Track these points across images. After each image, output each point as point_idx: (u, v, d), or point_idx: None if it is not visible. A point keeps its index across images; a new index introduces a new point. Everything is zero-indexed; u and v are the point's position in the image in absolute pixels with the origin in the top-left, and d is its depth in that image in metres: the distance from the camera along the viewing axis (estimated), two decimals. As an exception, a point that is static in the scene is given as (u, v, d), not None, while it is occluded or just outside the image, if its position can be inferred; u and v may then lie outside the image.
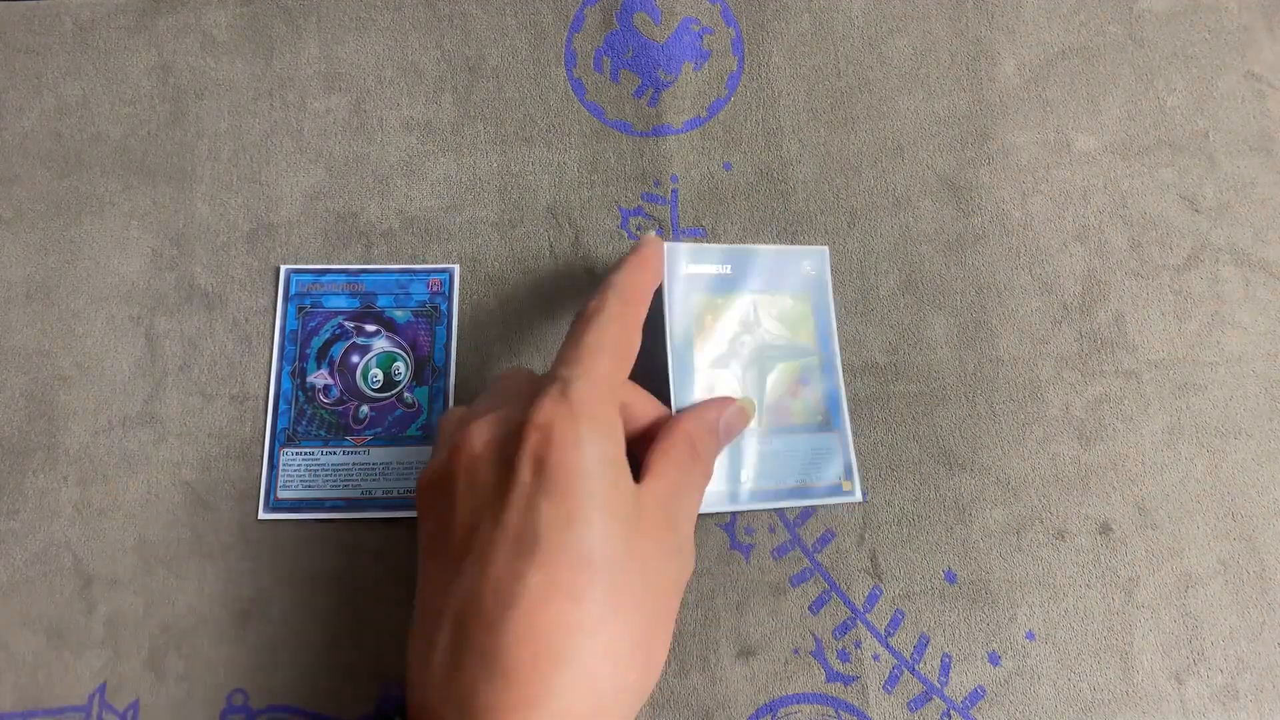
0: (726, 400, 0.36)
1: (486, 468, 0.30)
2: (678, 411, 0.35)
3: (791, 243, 0.42)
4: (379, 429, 0.39)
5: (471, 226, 0.42)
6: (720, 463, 0.38)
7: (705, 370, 0.39)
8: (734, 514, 0.39)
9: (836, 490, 0.38)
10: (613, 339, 0.32)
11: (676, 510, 0.32)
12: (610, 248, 0.42)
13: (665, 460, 0.32)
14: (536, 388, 0.32)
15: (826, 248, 0.41)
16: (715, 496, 0.38)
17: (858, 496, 0.38)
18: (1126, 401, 0.40)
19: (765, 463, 0.38)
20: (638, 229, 0.42)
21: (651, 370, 0.40)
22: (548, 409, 0.30)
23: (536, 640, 0.27)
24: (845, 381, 0.40)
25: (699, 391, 0.39)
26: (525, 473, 0.29)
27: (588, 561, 0.28)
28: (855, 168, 0.43)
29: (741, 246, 0.40)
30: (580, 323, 0.33)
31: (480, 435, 0.31)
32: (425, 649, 0.29)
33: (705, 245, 0.41)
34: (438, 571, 0.30)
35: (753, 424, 0.39)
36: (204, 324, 0.41)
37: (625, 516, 0.29)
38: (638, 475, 0.32)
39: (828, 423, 0.39)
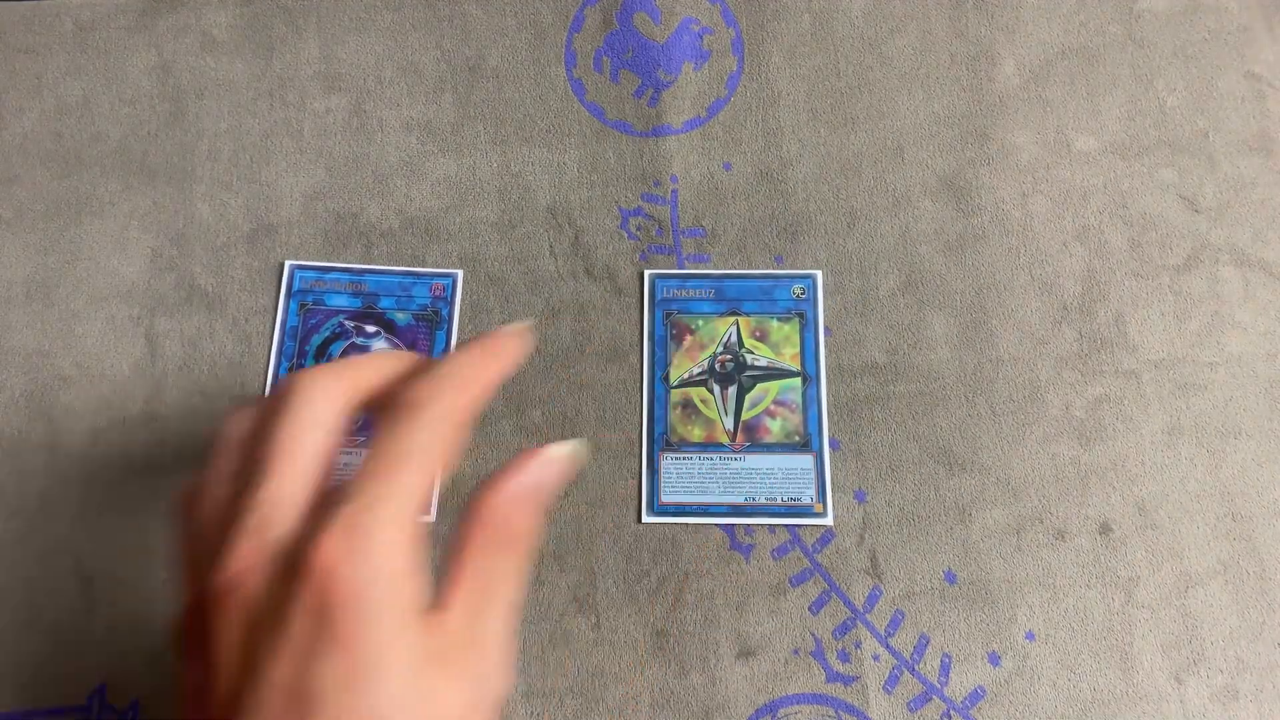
0: (532, 453, 0.29)
1: (260, 607, 0.25)
2: (481, 483, 0.28)
3: (791, 243, 0.42)
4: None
5: (471, 227, 0.42)
6: (690, 471, 0.38)
7: (680, 389, 0.40)
8: (734, 515, 0.39)
9: (808, 511, 0.38)
10: (430, 442, 0.27)
11: (486, 625, 0.27)
12: (610, 248, 0.42)
13: (471, 557, 0.27)
14: (314, 495, 0.27)
15: (819, 272, 0.41)
16: (684, 508, 0.38)
17: (829, 520, 0.38)
18: (1126, 401, 0.40)
19: (738, 478, 0.39)
20: (638, 229, 0.42)
21: (627, 389, 0.40)
22: (334, 546, 0.24)
23: None
24: (845, 382, 0.40)
25: (672, 412, 0.39)
26: (300, 622, 0.24)
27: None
28: (855, 168, 0.43)
29: (730, 273, 0.41)
30: (397, 416, 0.27)
31: (239, 560, 0.25)
32: None
33: (692, 274, 0.41)
34: None
35: (727, 440, 0.39)
36: (204, 324, 0.41)
37: (423, 661, 0.25)
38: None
39: (805, 444, 0.39)
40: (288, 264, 0.41)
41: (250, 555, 0.25)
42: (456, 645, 0.26)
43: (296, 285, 0.41)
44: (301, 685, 0.24)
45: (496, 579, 0.27)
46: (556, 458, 0.29)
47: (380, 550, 0.25)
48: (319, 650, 0.24)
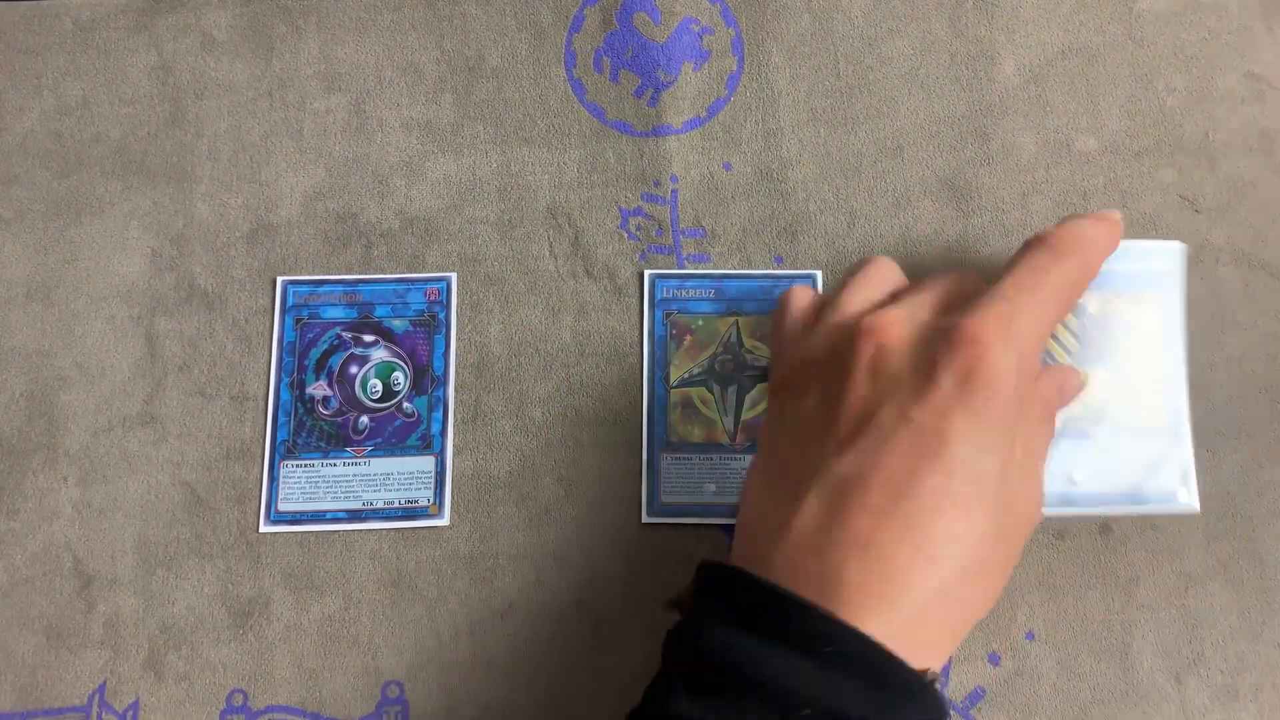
0: (1072, 370, 0.35)
1: (900, 361, 0.30)
2: None
3: (791, 244, 0.42)
4: (379, 439, 0.39)
5: (471, 227, 0.42)
6: (690, 471, 0.39)
7: (680, 389, 0.40)
8: (734, 514, 0.39)
9: None
10: (1065, 281, 0.32)
11: (1037, 460, 0.32)
12: (610, 248, 0.42)
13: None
14: (961, 296, 0.32)
15: (819, 272, 0.41)
16: (684, 508, 0.39)
17: None
18: (1126, 401, 0.39)
19: (738, 478, 0.39)
20: (637, 229, 0.42)
21: (627, 389, 0.40)
22: (991, 328, 0.29)
23: (918, 539, 0.27)
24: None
25: (672, 412, 0.39)
26: (948, 379, 0.29)
27: (984, 483, 0.28)
28: (855, 168, 0.43)
29: (730, 273, 0.41)
30: (1045, 254, 0.32)
31: (897, 327, 0.30)
32: (781, 514, 0.29)
33: (692, 274, 0.41)
34: (808, 443, 0.30)
35: (727, 440, 0.39)
36: (204, 324, 0.41)
37: (1020, 454, 0.30)
38: None
39: None
40: (279, 280, 0.41)
41: (904, 326, 0.31)
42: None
43: (290, 300, 0.41)
44: (935, 430, 0.28)
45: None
46: (1080, 381, 0.35)
47: (1024, 346, 0.30)
48: (957, 406, 0.29)
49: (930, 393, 0.29)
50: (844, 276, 0.35)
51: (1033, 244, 0.32)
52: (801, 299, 0.35)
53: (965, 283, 0.33)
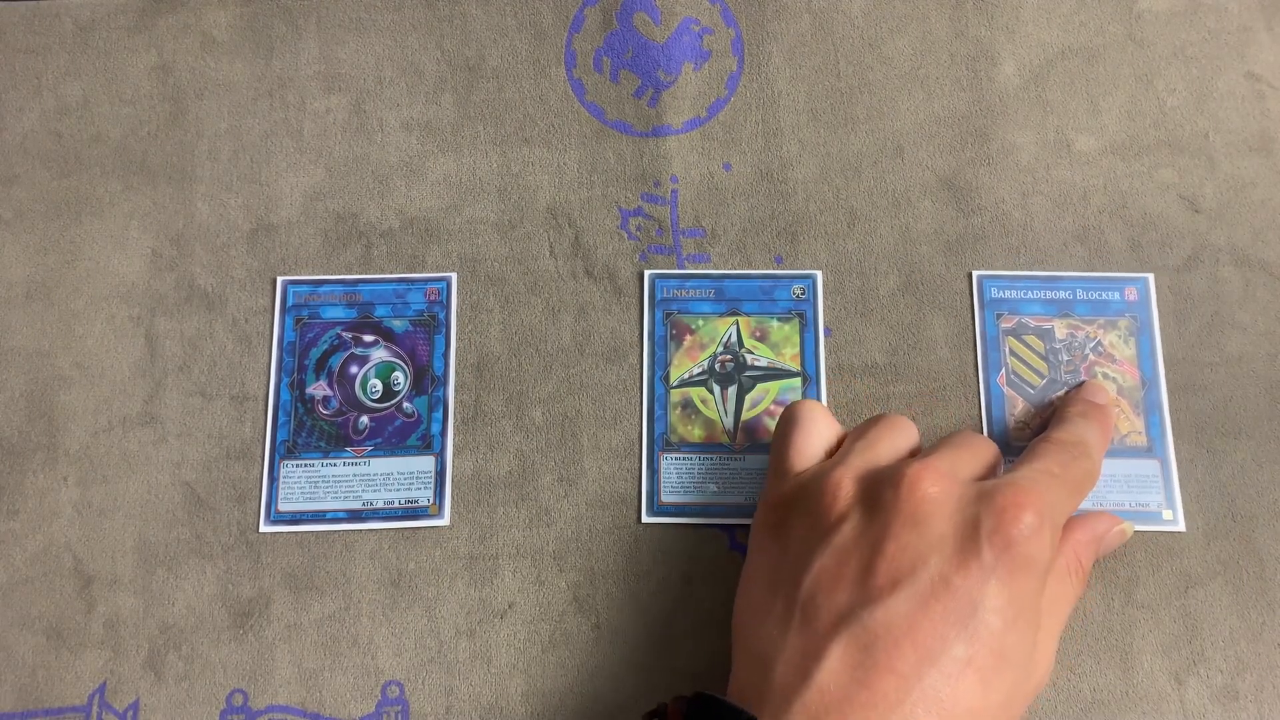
0: (1114, 519, 0.36)
1: (944, 520, 0.30)
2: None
3: (791, 244, 0.42)
4: (379, 439, 0.39)
5: (471, 227, 0.42)
6: (690, 471, 0.38)
7: (680, 389, 0.40)
8: (734, 515, 0.39)
9: None
10: (1081, 487, 0.34)
11: (1054, 623, 0.33)
12: (610, 248, 0.42)
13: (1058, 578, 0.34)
14: (987, 465, 0.34)
15: (819, 272, 0.41)
16: (684, 508, 0.38)
17: None
18: (1126, 402, 0.39)
19: (738, 478, 0.39)
20: (637, 229, 0.42)
21: (627, 389, 0.40)
22: (1032, 502, 0.30)
23: (941, 706, 0.28)
24: (845, 383, 0.40)
25: (672, 412, 0.39)
26: (990, 549, 0.30)
27: (1007, 655, 0.29)
28: (855, 168, 0.43)
29: (730, 273, 0.41)
30: (1064, 450, 0.34)
31: (943, 482, 0.31)
32: (800, 657, 0.30)
33: (692, 274, 0.41)
34: (837, 580, 0.30)
35: (727, 440, 0.39)
36: (204, 324, 0.41)
37: (1045, 622, 0.31)
38: None
39: None
40: (279, 280, 0.41)
41: (947, 483, 0.31)
42: (1044, 629, 0.32)
43: (290, 300, 0.41)
44: (970, 598, 0.29)
45: (1064, 596, 0.33)
46: (1123, 530, 0.36)
47: (1057, 517, 0.32)
48: (994, 576, 0.29)
49: (971, 561, 0.30)
50: (863, 426, 0.35)
51: (1052, 442, 0.35)
52: (822, 419, 0.35)
53: (983, 450, 0.34)
